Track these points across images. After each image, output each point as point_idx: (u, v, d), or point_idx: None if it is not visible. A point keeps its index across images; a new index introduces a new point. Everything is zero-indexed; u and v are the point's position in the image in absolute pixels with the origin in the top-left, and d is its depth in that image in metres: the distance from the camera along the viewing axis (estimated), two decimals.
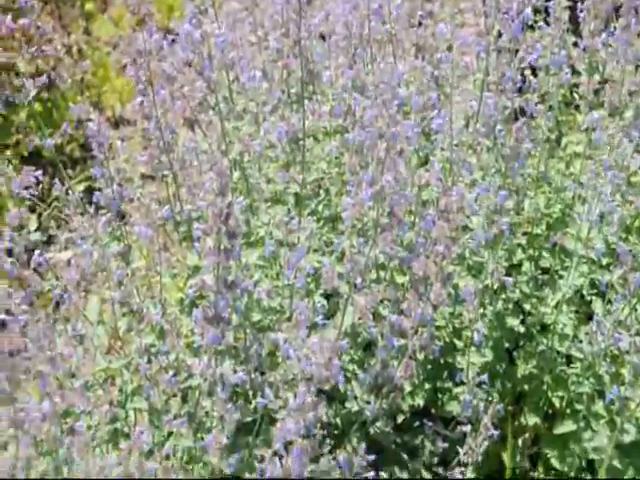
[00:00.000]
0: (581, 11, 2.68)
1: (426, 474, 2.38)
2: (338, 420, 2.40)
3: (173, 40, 2.62)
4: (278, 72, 2.83)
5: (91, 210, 2.55)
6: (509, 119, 2.58)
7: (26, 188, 2.47)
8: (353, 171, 2.44)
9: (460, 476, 2.26)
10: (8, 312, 2.11)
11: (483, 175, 2.64)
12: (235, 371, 2.06)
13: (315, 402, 1.78)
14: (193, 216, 2.68)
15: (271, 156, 2.94)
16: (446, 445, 2.36)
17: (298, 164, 2.75)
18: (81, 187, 3.52)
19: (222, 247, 2.01)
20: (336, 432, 2.39)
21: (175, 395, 2.31)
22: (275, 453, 1.87)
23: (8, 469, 1.83)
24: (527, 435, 2.58)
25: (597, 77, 2.69)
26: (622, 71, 2.64)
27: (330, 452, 2.10)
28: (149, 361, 2.27)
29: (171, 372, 2.19)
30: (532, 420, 2.56)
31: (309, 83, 2.90)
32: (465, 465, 2.25)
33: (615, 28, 2.62)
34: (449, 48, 2.59)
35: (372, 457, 2.07)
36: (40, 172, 2.45)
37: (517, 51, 2.54)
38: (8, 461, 1.84)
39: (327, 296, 2.58)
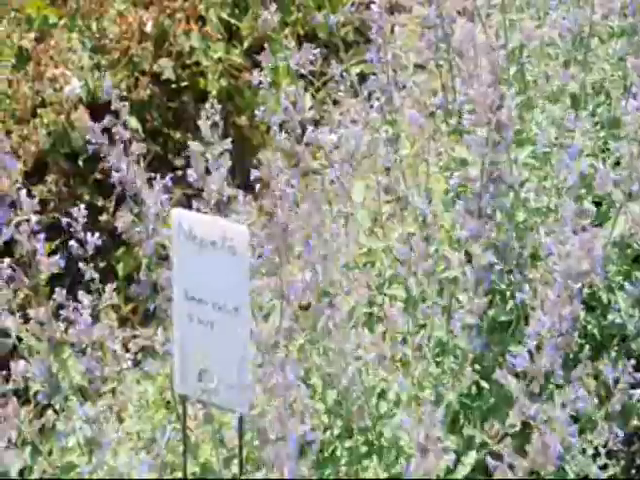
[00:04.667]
0: None
1: None
2: (597, 331, 2.33)
3: None
4: None
5: (365, 93, 2.55)
6: None
7: (304, 66, 2.49)
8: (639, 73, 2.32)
9: None
10: None
11: None
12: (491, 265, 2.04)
13: (572, 296, 1.73)
14: (466, 108, 2.63)
15: (551, 53, 2.83)
16: None
17: (579, 63, 2.64)
18: (356, 70, 3.52)
19: (490, 139, 1.97)
20: (594, 344, 2.32)
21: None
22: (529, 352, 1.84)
23: (269, 338, 1.88)
24: None
25: None
26: None
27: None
28: (410, 249, 2.26)
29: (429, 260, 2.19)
30: None
31: None
32: None
33: None
34: None
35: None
36: (318, 51, 2.47)
37: None
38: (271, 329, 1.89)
39: (597, 204, 2.49)
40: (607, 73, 2.76)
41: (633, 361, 2.00)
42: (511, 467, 1.73)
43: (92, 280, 2.09)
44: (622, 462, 2.04)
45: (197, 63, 3.37)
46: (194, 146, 2.08)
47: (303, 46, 2.52)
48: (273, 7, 2.54)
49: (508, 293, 2.29)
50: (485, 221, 2.06)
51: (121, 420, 2.10)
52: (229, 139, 2.27)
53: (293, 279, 1.86)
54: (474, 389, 2.10)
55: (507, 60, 2.63)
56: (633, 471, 2.41)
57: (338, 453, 1.95)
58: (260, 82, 2.50)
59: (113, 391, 2.08)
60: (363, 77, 2.65)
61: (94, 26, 3.20)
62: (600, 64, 2.77)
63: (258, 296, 2.13)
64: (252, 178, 2.24)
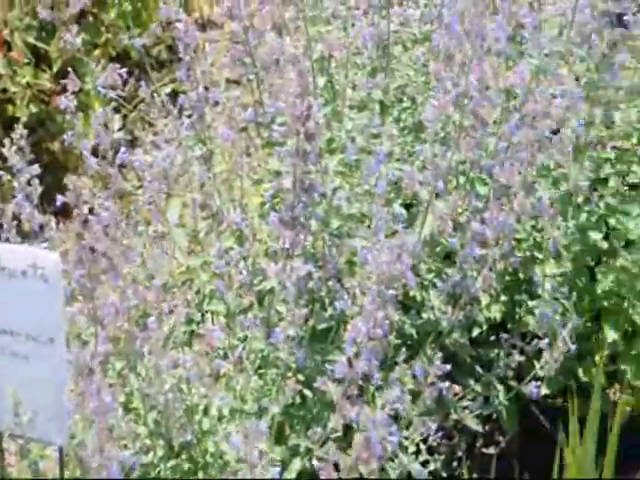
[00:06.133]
0: None
1: (500, 387, 2.36)
2: (413, 331, 2.39)
3: None
4: None
5: (175, 112, 2.54)
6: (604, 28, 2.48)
7: (112, 88, 2.46)
8: (438, 77, 2.39)
9: (535, 390, 2.24)
10: (91, 211, 2.13)
11: (575, 86, 2.55)
12: (310, 274, 2.06)
13: (386, 301, 1.77)
14: (276, 120, 2.65)
15: (358, 63, 2.89)
16: (522, 358, 2.32)
17: (383, 71, 2.70)
18: (167, 89, 3.51)
19: (300, 150, 2.00)
20: (411, 342, 2.37)
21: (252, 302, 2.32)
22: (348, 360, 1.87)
23: (86, 364, 1.85)
24: (605, 352, 2.53)
25: None
26: None
27: (405, 362, 2.09)
28: (227, 264, 2.27)
29: (246, 273, 2.20)
30: (611, 337, 2.51)
31: None
32: (540, 379, 2.23)
33: None
34: None
35: (448, 367, 2.06)
36: (125, 70, 2.44)
37: None
38: (87, 356, 1.86)
39: (407, 206, 2.55)
40: (410, 79, 2.83)
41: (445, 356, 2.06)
42: (336, 466, 1.75)
43: None
44: (443, 456, 2.09)
45: (4, 90, 3.30)
46: None
47: (109, 67, 2.50)
48: (74, 29, 2.50)
49: (327, 301, 2.32)
50: (300, 229, 2.08)
51: None
52: (36, 165, 2.23)
53: (105, 303, 1.84)
54: (298, 399, 2.11)
55: (315, 71, 2.67)
56: (455, 464, 2.49)
57: (163, 474, 1.94)
58: (67, 107, 2.46)
59: None
60: (177, 95, 2.64)
61: None
62: (404, 70, 2.85)
63: (75, 324, 2.10)
64: (58, 204, 2.21)
